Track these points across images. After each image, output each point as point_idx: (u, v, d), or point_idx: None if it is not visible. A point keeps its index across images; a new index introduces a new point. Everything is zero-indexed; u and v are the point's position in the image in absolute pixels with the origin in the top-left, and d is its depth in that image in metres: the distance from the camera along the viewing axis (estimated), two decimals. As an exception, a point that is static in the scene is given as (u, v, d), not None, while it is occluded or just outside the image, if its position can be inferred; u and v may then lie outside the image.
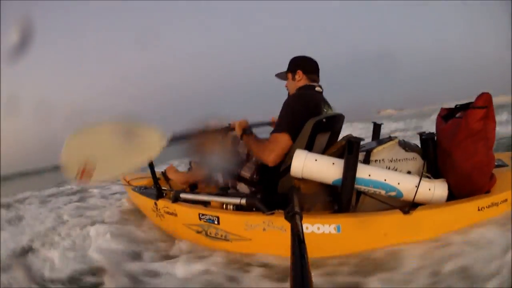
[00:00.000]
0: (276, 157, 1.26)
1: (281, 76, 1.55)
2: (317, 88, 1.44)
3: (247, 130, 1.37)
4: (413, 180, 1.09)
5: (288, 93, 1.54)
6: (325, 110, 1.40)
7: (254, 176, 1.44)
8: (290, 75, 1.49)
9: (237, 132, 1.39)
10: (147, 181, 2.10)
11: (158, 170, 1.93)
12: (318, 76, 1.49)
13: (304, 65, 1.47)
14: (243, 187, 1.47)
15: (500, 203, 1.07)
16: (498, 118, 1.05)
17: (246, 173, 1.46)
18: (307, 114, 1.29)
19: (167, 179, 2.00)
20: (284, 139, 1.26)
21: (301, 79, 1.45)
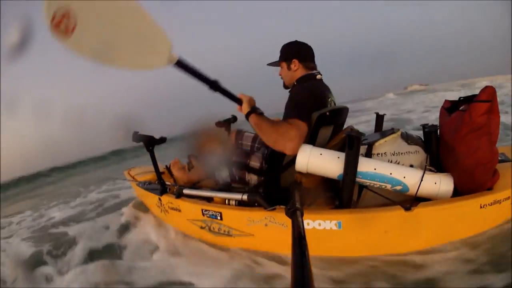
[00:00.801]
0: (295, 146, 1.11)
1: (274, 64, 1.46)
2: (318, 76, 1.37)
3: (256, 109, 1.19)
4: (419, 174, 1.06)
5: (284, 83, 1.45)
6: (329, 99, 1.34)
7: (263, 165, 1.41)
8: (284, 64, 1.40)
9: (245, 109, 1.19)
10: (151, 175, 2.09)
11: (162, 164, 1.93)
12: (314, 62, 1.40)
13: (299, 54, 1.37)
14: (252, 178, 1.44)
15: (503, 200, 1.04)
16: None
17: (255, 163, 1.42)
18: (315, 107, 1.24)
19: (171, 173, 2.01)
20: (304, 128, 1.14)
21: (297, 69, 1.37)
